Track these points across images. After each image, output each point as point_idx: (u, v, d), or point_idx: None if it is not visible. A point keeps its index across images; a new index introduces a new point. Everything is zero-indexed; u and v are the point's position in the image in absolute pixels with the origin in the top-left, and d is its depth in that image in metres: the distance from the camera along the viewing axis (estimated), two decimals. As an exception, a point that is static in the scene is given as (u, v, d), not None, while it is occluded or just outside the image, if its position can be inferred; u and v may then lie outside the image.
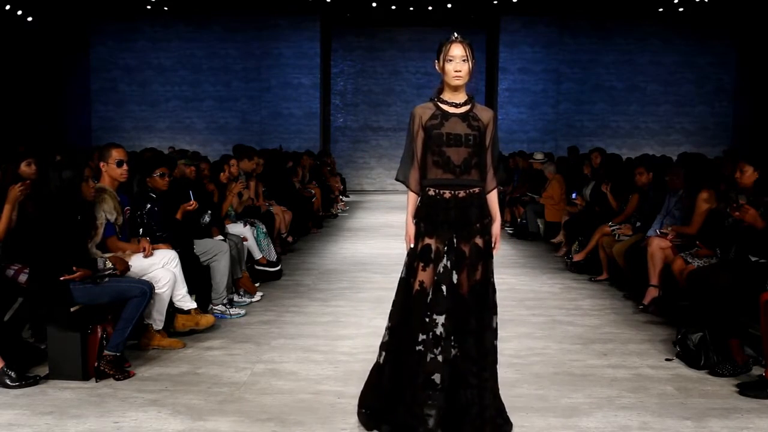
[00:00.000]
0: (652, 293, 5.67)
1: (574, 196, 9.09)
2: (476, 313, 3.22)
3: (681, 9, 16.96)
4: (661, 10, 17.21)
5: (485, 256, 3.28)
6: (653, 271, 5.65)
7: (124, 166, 4.74)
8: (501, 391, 3.92)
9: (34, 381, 3.98)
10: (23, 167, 5.06)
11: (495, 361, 3.31)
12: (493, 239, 3.32)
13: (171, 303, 4.79)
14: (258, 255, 6.81)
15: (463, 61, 3.24)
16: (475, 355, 3.20)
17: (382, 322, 5.35)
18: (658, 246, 5.64)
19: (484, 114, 3.33)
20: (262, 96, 18.33)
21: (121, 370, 4.11)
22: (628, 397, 3.88)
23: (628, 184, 7.12)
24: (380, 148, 19.59)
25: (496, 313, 3.32)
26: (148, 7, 17.15)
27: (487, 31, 19.10)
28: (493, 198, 3.38)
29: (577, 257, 7.50)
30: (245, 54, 18.23)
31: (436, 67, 3.32)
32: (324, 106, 18.83)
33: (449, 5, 16.59)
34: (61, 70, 18.18)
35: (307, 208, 10.47)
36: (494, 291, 3.33)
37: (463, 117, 3.29)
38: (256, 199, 8.18)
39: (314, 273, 7.42)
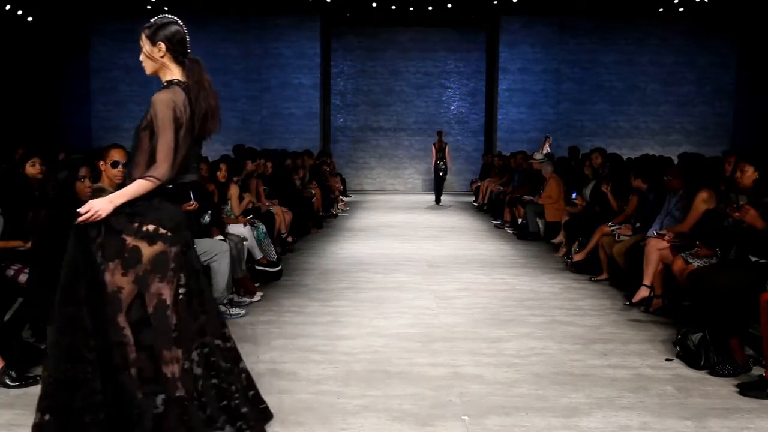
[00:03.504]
0: (642, 293, 5.69)
1: (574, 196, 9.09)
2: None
3: (681, 9, 16.96)
4: (661, 10, 17.21)
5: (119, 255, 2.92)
6: (647, 271, 5.66)
7: (120, 168, 4.72)
8: (501, 391, 3.95)
9: (34, 381, 3.96)
10: (28, 167, 5.07)
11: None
12: (87, 207, 2.85)
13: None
14: (258, 255, 6.82)
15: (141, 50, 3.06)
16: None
17: (382, 322, 5.38)
18: (654, 247, 5.64)
19: (153, 99, 2.94)
20: (262, 96, 18.33)
21: (121, 370, 4.10)
22: (628, 397, 3.88)
23: (628, 184, 7.12)
24: (380, 148, 19.58)
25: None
26: (148, 7, 17.15)
27: (487, 31, 19.10)
28: (135, 183, 2.88)
29: (577, 257, 7.50)
30: (245, 54, 18.23)
31: None
32: (324, 106, 18.84)
33: (449, 5, 16.60)
34: (61, 70, 18.18)
35: (307, 208, 10.46)
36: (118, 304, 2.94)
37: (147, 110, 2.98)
38: (256, 200, 8.17)
39: (314, 273, 7.42)
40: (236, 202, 7.02)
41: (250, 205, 7.48)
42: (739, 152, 5.60)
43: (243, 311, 5.65)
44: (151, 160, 2.89)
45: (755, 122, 17.80)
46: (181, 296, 3.02)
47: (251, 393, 3.30)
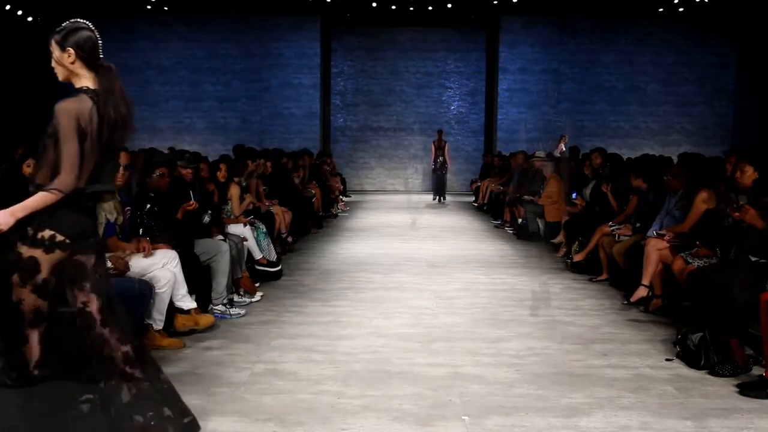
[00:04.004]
0: (640, 292, 5.69)
1: (574, 196, 9.09)
2: None
3: (681, 9, 16.96)
4: (661, 10, 17.21)
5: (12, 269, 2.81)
6: (646, 271, 5.66)
7: (120, 170, 4.74)
8: (501, 391, 3.95)
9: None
10: (25, 168, 5.08)
11: None
12: None
13: (171, 303, 4.80)
14: (258, 255, 6.82)
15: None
16: None
17: (382, 322, 5.39)
18: (654, 247, 5.64)
19: (56, 108, 2.87)
20: (262, 96, 18.33)
21: (121, 370, 4.09)
22: (628, 397, 3.88)
23: (628, 184, 7.13)
24: (380, 148, 19.59)
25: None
26: (148, 7, 17.15)
27: (487, 31, 19.10)
28: (37, 195, 2.77)
29: (577, 257, 7.50)
30: (245, 54, 18.23)
31: None
32: (324, 106, 18.84)
33: (449, 5, 16.60)
34: (61, 70, 18.17)
35: (307, 208, 10.47)
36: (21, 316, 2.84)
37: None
38: (257, 200, 8.17)
39: (314, 273, 7.42)
40: (237, 203, 7.01)
41: (251, 206, 7.48)
42: (739, 152, 5.60)
43: (243, 311, 5.65)
44: (56, 170, 2.79)
45: (755, 122, 17.78)
46: (88, 308, 2.89)
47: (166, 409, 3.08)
